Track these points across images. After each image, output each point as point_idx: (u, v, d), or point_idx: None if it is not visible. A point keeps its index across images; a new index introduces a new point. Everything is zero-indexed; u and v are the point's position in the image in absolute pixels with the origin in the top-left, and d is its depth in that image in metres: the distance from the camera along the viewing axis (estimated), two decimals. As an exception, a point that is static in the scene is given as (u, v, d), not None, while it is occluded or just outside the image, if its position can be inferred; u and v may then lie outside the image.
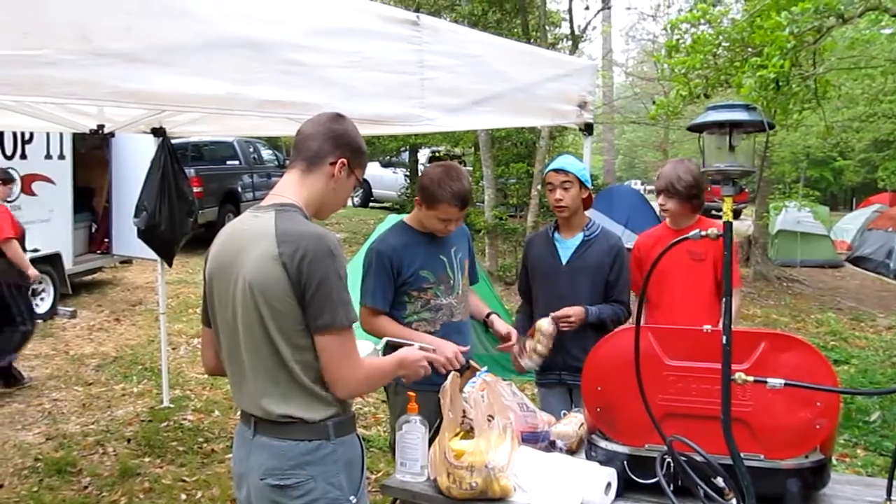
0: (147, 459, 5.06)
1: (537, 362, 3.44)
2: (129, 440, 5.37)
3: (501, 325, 3.44)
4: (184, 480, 4.72)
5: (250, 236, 2.10)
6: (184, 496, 4.50)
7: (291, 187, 2.21)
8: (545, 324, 3.41)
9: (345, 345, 2.06)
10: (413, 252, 3.22)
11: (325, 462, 2.10)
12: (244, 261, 2.08)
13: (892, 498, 2.29)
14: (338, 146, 2.21)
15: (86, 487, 4.63)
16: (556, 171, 3.52)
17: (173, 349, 7.63)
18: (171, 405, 6.07)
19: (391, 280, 3.19)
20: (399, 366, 2.31)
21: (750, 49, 5.73)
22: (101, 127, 4.77)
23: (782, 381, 1.89)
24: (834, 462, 4.98)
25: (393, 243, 3.24)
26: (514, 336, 3.38)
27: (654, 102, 7.23)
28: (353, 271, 8.38)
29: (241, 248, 2.11)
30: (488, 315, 3.49)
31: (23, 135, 8.58)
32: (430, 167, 3.32)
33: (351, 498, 2.14)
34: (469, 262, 3.46)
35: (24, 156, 8.65)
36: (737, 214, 4.19)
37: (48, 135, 8.89)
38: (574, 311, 3.43)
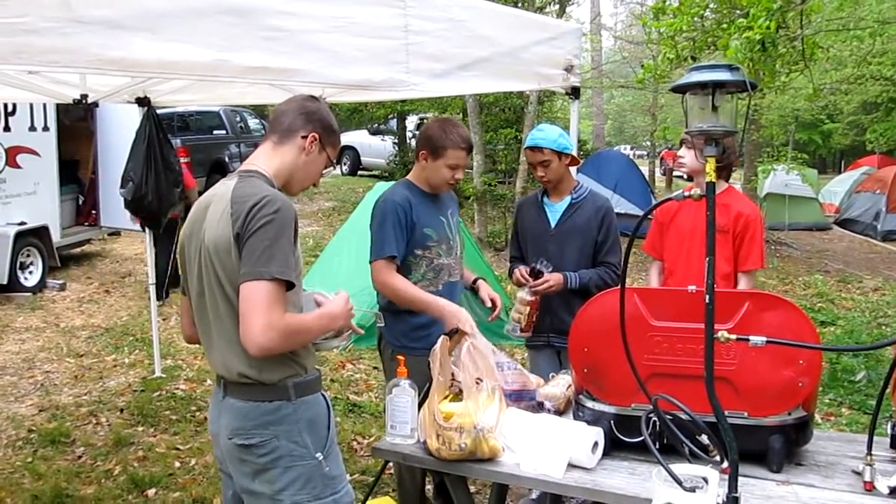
0: (140, 428, 5.09)
1: (514, 326, 3.51)
2: (121, 410, 5.40)
3: (486, 291, 3.42)
4: (177, 448, 4.76)
5: (213, 202, 2.17)
6: (178, 464, 4.54)
7: (262, 157, 2.28)
8: (522, 293, 3.48)
9: (259, 296, 1.99)
10: (419, 208, 3.24)
11: (286, 421, 2.16)
12: (206, 224, 2.15)
13: (873, 453, 2.35)
14: (310, 121, 2.28)
15: (80, 457, 4.66)
16: (532, 149, 3.52)
17: (164, 320, 7.64)
18: (163, 375, 6.09)
19: (404, 232, 3.18)
20: (328, 319, 2.25)
21: (737, 10, 5.70)
22: (84, 97, 4.73)
23: (764, 339, 1.92)
24: (819, 421, 5.08)
25: (405, 195, 3.25)
26: (499, 301, 3.37)
27: (642, 66, 7.20)
28: (343, 240, 8.31)
29: (204, 214, 2.18)
30: (475, 281, 3.50)
31: (6, 106, 8.50)
32: (428, 123, 3.34)
33: (317, 455, 2.19)
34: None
35: (7, 128, 8.58)
36: (728, 175, 4.18)
37: (31, 106, 8.80)
38: (552, 277, 3.47)
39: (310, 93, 2.41)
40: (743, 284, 3.47)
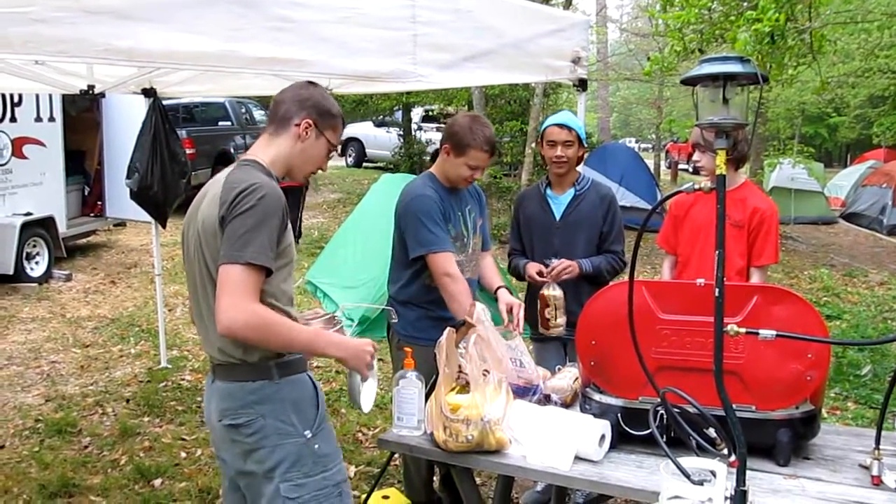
0: (146, 419, 5.10)
1: (561, 325, 3.45)
2: (128, 400, 5.42)
3: (504, 301, 3.29)
4: (183, 439, 4.77)
5: (211, 189, 2.20)
6: (184, 454, 4.55)
7: (260, 147, 2.31)
8: (551, 290, 3.43)
9: (230, 279, 2.00)
10: (443, 203, 3.24)
11: (271, 401, 2.18)
12: (201, 209, 2.19)
13: (881, 447, 2.34)
14: (303, 107, 2.29)
15: (86, 447, 4.67)
16: (560, 126, 3.50)
17: (169, 311, 7.65)
18: (169, 366, 6.11)
19: (445, 226, 3.19)
20: (323, 343, 2.25)
21: (745, 2, 5.68)
22: (91, 87, 4.73)
23: (773, 333, 1.91)
24: (825, 415, 5.07)
25: (434, 189, 3.25)
26: (518, 309, 3.23)
27: (648, 59, 7.18)
28: (348, 232, 8.30)
29: (201, 202, 2.22)
30: (498, 288, 3.41)
31: (12, 97, 8.50)
32: (457, 116, 3.34)
33: (305, 433, 2.21)
34: (482, 225, 3.46)
35: (13, 118, 8.58)
36: (743, 162, 4.15)
37: (38, 97, 8.80)
38: (566, 262, 3.46)
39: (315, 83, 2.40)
40: (755, 279, 3.45)
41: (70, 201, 9.69)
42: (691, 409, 2.16)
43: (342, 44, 2.84)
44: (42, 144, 9.00)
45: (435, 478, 3.67)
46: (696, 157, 3.59)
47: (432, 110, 19.70)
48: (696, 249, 3.54)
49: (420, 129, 19.81)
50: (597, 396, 2.63)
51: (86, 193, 10.30)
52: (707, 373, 1.99)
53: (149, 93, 5.23)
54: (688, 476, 1.94)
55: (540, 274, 3.48)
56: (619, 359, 2.50)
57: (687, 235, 3.61)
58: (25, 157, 8.76)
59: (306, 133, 2.29)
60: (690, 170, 24.18)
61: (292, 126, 2.28)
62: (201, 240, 2.15)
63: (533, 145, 11.20)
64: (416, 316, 3.30)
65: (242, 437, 2.19)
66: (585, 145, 3.57)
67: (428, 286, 3.25)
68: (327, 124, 2.33)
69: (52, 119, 9.15)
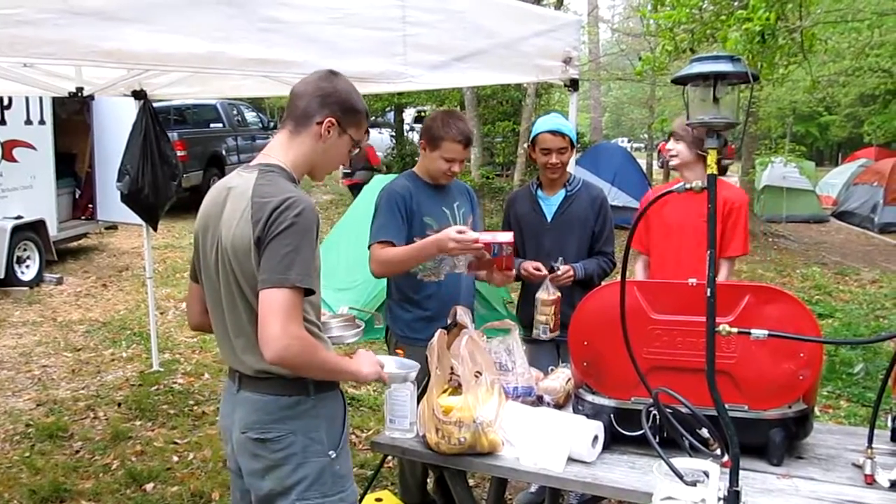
0: (138, 423, 5.07)
1: (544, 328, 3.43)
2: (119, 404, 5.39)
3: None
4: (175, 443, 4.74)
5: (232, 196, 2.09)
6: (176, 458, 4.53)
7: (279, 148, 2.18)
8: (544, 294, 3.42)
9: (277, 304, 1.92)
10: (419, 197, 3.24)
11: (305, 416, 2.11)
12: (224, 220, 2.08)
13: (874, 446, 2.34)
14: (325, 105, 2.14)
15: (78, 452, 4.64)
16: (554, 133, 3.48)
17: (161, 314, 7.62)
18: (161, 369, 6.08)
19: (403, 219, 3.18)
20: (348, 367, 2.20)
21: (736, 2, 5.68)
22: (80, 90, 4.70)
23: (766, 332, 1.91)
24: (817, 413, 5.08)
25: (405, 184, 3.27)
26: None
27: (640, 59, 7.18)
28: (341, 233, 8.28)
29: (223, 207, 2.10)
30: None
31: (1, 100, 8.46)
32: (433, 112, 3.34)
33: (330, 453, 2.15)
34: (473, 222, 3.45)
35: (3, 121, 8.55)
36: (724, 170, 4.13)
37: (27, 99, 8.76)
38: (573, 272, 3.45)
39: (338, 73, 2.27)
40: (723, 271, 3.39)
41: (61, 204, 9.64)
42: (684, 410, 2.15)
43: (332, 45, 2.83)
44: (32, 147, 8.96)
45: (429, 480, 3.66)
46: (669, 144, 3.52)
47: (424, 111, 19.69)
48: (671, 249, 3.48)
49: (412, 129, 19.81)
50: (589, 397, 2.63)
51: (76, 196, 10.26)
52: (699, 373, 1.99)
53: (139, 95, 5.20)
54: (681, 477, 1.93)
55: (537, 269, 3.46)
56: (612, 359, 2.50)
57: (659, 235, 3.55)
58: (15, 161, 8.72)
59: (328, 133, 2.14)
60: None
61: (313, 124, 2.13)
62: (230, 257, 2.04)
63: (525, 145, 11.19)
64: (413, 317, 3.29)
65: (268, 451, 2.11)
66: (576, 146, 3.57)
67: (420, 281, 3.26)
68: (350, 121, 2.18)
69: (42, 122, 9.11)
